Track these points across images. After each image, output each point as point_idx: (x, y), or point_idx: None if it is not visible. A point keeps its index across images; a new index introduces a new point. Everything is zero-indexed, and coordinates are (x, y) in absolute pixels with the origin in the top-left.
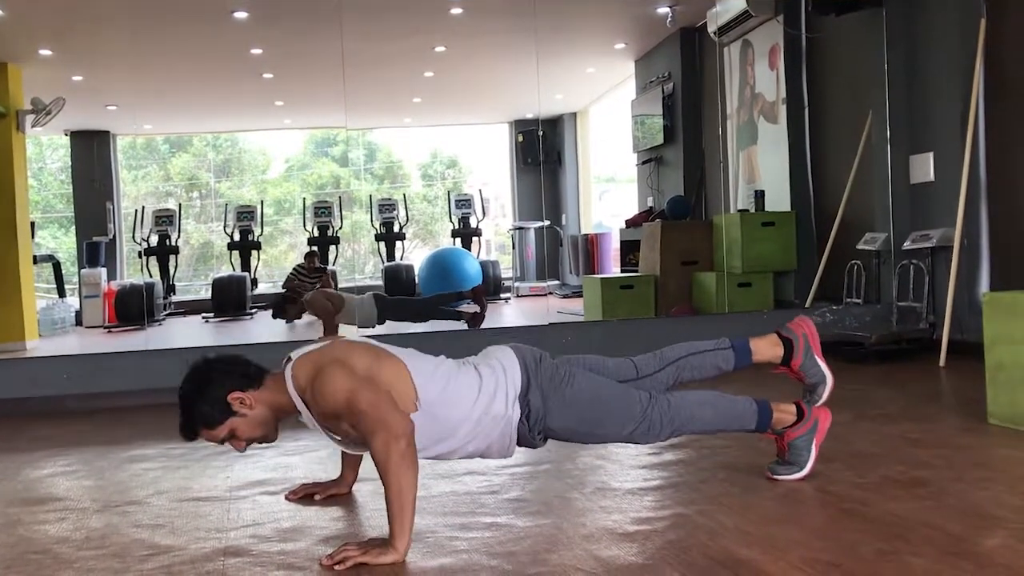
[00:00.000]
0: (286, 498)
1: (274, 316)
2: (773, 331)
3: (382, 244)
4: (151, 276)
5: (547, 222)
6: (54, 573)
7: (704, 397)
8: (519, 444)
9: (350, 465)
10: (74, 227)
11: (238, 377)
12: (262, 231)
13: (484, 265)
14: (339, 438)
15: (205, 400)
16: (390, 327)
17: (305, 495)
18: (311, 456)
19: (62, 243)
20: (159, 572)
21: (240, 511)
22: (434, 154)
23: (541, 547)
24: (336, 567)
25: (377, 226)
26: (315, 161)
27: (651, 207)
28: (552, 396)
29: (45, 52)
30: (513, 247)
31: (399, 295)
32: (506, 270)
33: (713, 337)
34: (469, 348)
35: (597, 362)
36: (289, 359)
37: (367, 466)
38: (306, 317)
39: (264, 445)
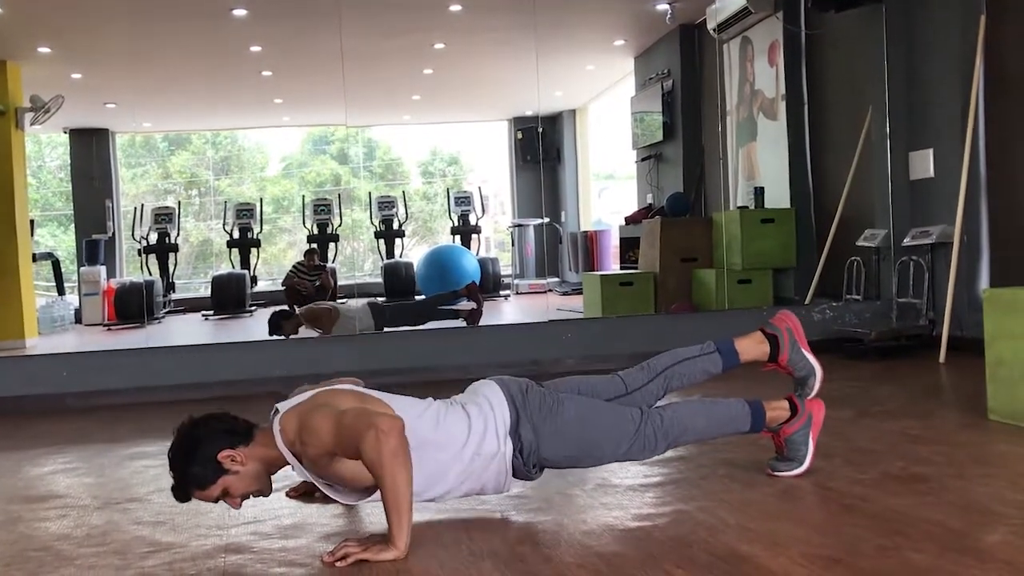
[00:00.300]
0: (287, 495)
1: (270, 333)
2: (757, 329)
3: (381, 242)
4: (150, 274)
5: (546, 219)
6: (55, 570)
7: (696, 407)
8: (516, 477)
9: None
10: (73, 225)
11: (227, 435)
12: (261, 229)
13: (483, 262)
14: (337, 487)
15: (196, 462)
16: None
17: (306, 492)
18: None
19: (61, 241)
20: (160, 569)
21: (241, 508)
22: (434, 151)
23: (542, 544)
24: (337, 564)
25: (376, 223)
26: (313, 159)
27: (650, 204)
28: (543, 426)
29: (44, 50)
30: (512, 244)
31: (398, 293)
32: (505, 267)
33: (712, 335)
34: (469, 345)
35: (584, 383)
36: (276, 411)
37: None
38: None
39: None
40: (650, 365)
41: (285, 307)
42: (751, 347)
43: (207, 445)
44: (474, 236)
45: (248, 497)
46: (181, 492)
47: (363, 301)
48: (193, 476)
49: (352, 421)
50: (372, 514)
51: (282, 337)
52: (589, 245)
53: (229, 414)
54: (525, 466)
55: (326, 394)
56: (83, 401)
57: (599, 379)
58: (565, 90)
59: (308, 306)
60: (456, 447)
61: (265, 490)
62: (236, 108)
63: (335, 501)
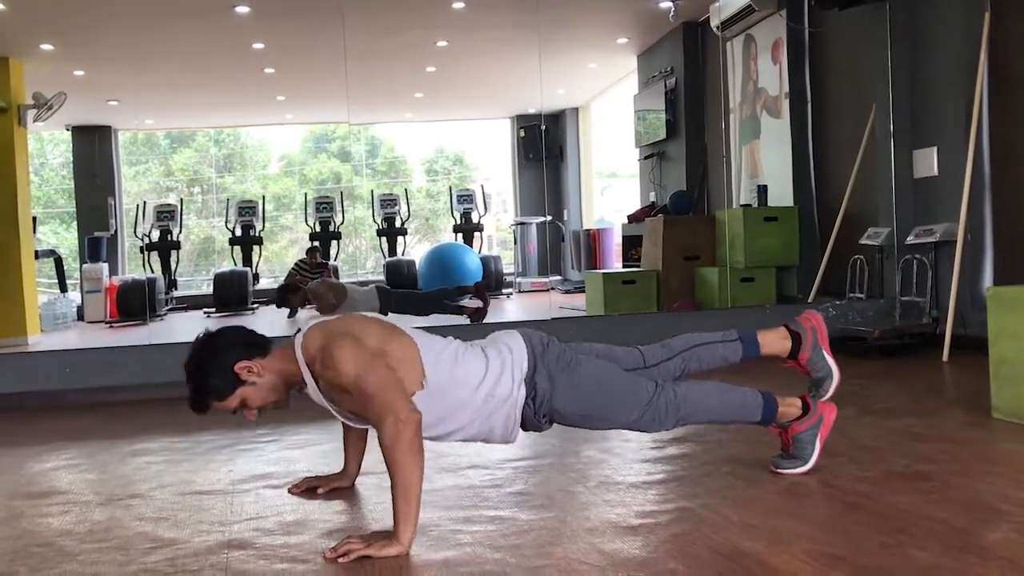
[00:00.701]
0: (289, 491)
1: (278, 305)
2: (782, 324)
3: (383, 239)
4: (152, 271)
5: (549, 217)
6: (58, 566)
7: (711, 388)
8: (524, 428)
9: (353, 458)
10: (75, 222)
11: (244, 347)
12: (264, 226)
13: (485, 261)
14: (343, 411)
15: (213, 372)
16: (393, 319)
17: (308, 488)
18: (314, 450)
19: (63, 238)
20: (163, 565)
21: (243, 504)
22: (439, 150)
23: (545, 540)
24: (339, 560)
25: (379, 221)
26: (313, 157)
27: (653, 202)
28: (558, 379)
29: (46, 47)
30: (515, 242)
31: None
32: (508, 266)
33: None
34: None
35: (605, 350)
36: (299, 330)
37: (370, 460)
38: (310, 311)
39: (268, 439)
40: (671, 344)
41: (308, 274)
42: (773, 341)
43: (224, 356)
44: (476, 234)
45: (266, 409)
46: (199, 403)
47: (372, 285)
48: (212, 387)
49: (375, 390)
50: (375, 511)
51: (288, 310)
52: (592, 243)
53: (246, 327)
54: (535, 415)
55: (354, 321)
56: (85, 398)
57: (620, 349)
58: (568, 88)
59: (319, 280)
60: (471, 386)
61: (283, 403)
62: (238, 105)
63: (337, 497)
